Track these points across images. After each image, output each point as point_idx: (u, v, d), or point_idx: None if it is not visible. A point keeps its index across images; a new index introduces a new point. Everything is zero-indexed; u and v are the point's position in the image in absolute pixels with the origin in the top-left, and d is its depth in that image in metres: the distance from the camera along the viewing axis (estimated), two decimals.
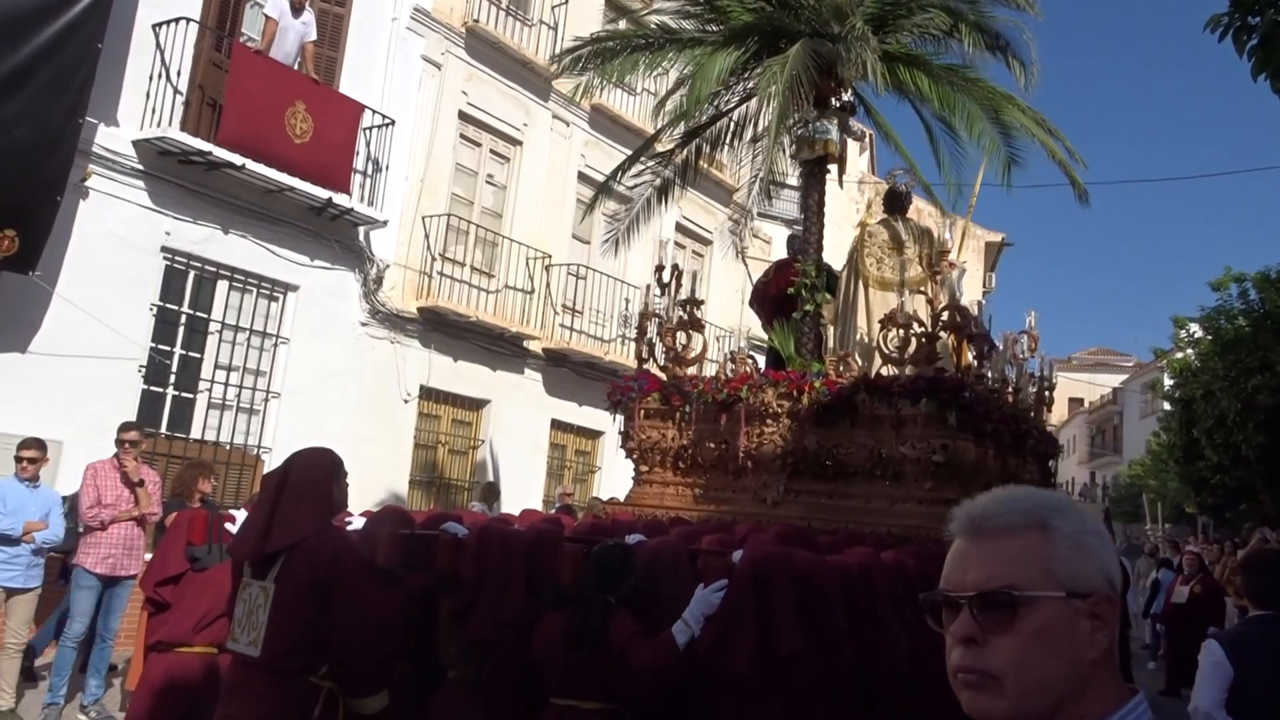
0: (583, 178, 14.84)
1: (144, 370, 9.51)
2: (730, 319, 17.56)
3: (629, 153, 15.37)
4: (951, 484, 6.04)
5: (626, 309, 15.03)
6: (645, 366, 7.46)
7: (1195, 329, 16.22)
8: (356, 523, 4.91)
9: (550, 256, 13.77)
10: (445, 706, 3.90)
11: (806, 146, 8.15)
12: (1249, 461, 14.18)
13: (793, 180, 10.71)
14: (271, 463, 10.58)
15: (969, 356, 6.79)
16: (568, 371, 14.28)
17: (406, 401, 12.12)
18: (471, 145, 13.25)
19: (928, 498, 5.96)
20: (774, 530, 5.09)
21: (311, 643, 3.32)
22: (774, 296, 8.16)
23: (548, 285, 13.86)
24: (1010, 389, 7.85)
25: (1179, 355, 17.40)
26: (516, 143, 13.76)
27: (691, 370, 7.40)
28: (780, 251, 21.66)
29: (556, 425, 14.37)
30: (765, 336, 9.16)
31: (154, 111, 9.42)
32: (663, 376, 7.32)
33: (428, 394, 12.46)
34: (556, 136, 14.31)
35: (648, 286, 7.64)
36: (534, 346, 13.67)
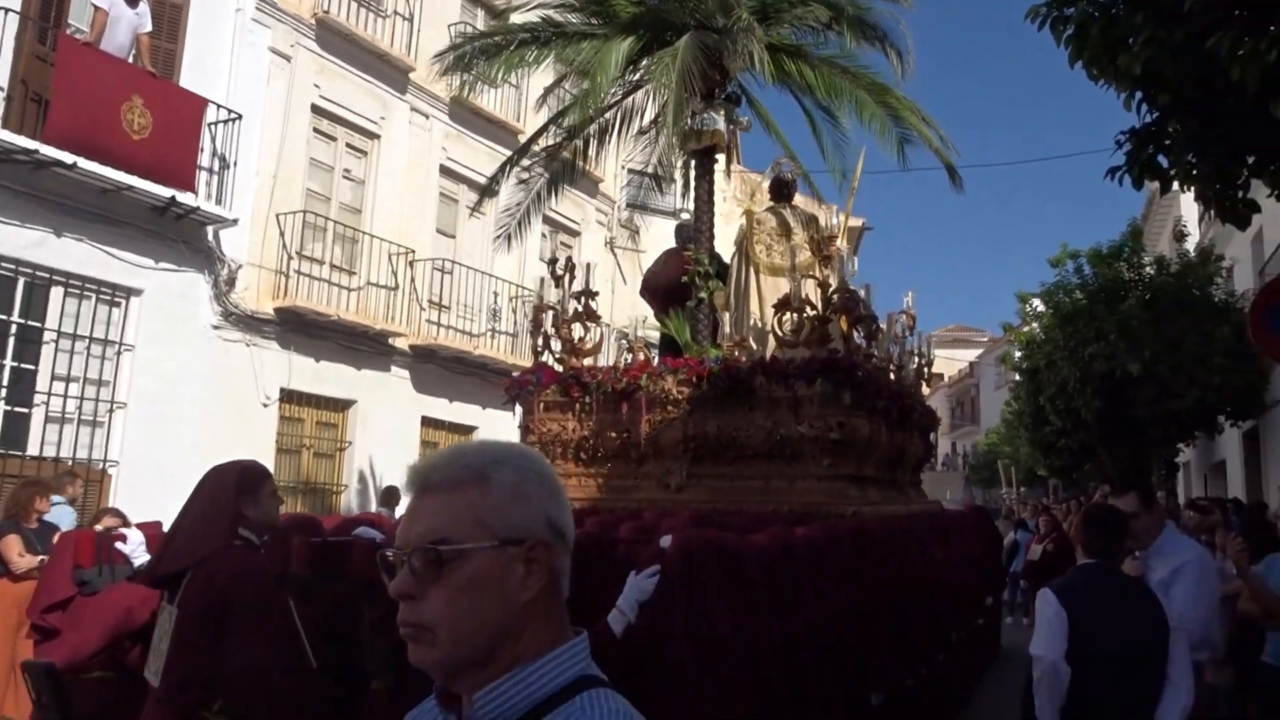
0: (445, 171, 14.60)
1: None
2: (601, 308, 17.59)
3: (491, 145, 15.29)
4: (848, 460, 6.30)
5: (495, 303, 14.89)
6: (542, 359, 7.49)
7: (1038, 304, 17.18)
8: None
9: (414, 252, 13.49)
10: (373, 717, 3.79)
11: (694, 138, 8.31)
12: (1088, 425, 15.11)
13: (676, 174, 10.88)
14: (119, 476, 10.04)
15: (857, 338, 7.05)
16: (436, 367, 14.04)
17: (266, 405, 11.68)
18: (326, 139, 12.85)
19: (826, 474, 6.21)
20: (686, 515, 5.15)
21: (205, 674, 3.08)
22: (665, 285, 8.27)
23: (412, 281, 13.58)
24: (894, 367, 8.19)
25: (1024, 329, 18.39)
26: (374, 136, 13.42)
27: (588, 361, 7.45)
28: (652, 240, 21.84)
29: (428, 423, 14.11)
30: (645, 326, 9.28)
31: None
32: (560, 369, 7.37)
33: (289, 396, 12.04)
34: (416, 129, 14.02)
35: (541, 279, 7.65)
36: (400, 344, 13.38)
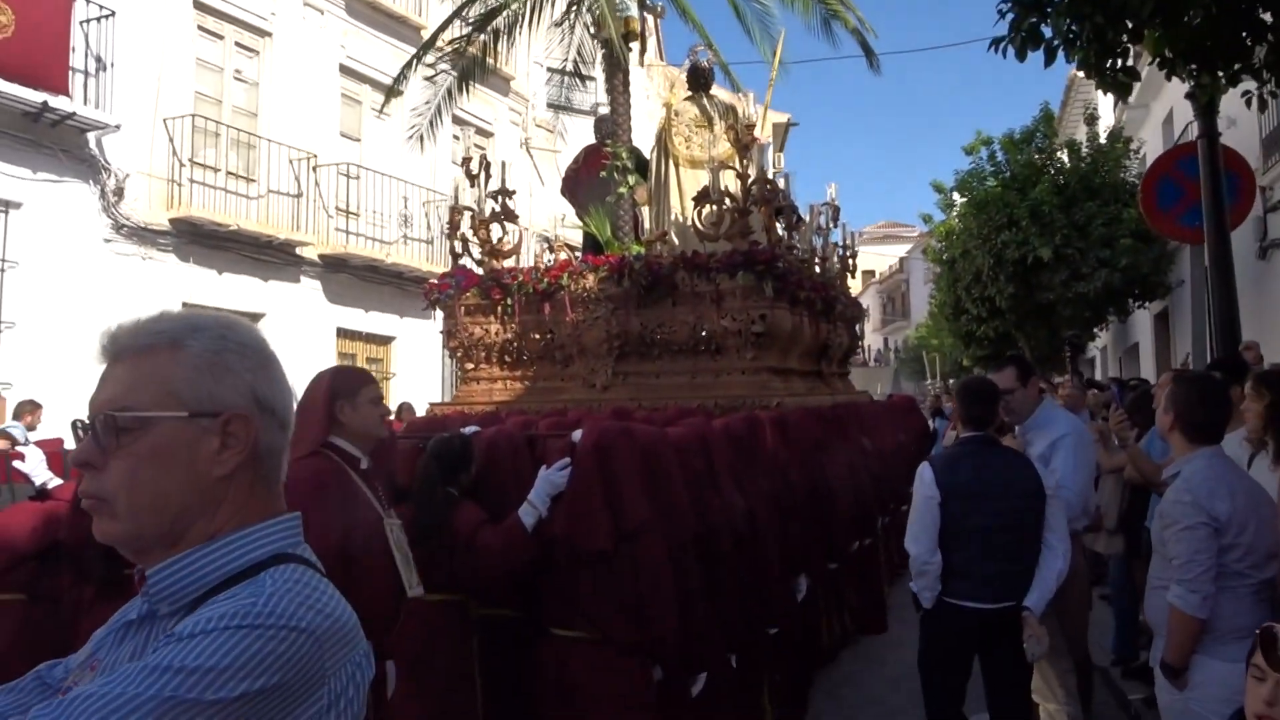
0: (345, 71, 13.88)
1: None
2: (521, 212, 17.17)
3: (395, 43, 14.56)
4: (771, 352, 6.32)
5: (406, 208, 14.39)
6: (461, 263, 7.27)
7: (956, 195, 17.27)
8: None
9: (316, 157, 12.87)
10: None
11: (609, 26, 7.94)
12: (1003, 312, 15.38)
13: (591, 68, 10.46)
14: (11, 398, 9.53)
15: (779, 230, 6.96)
16: (348, 277, 13.58)
17: None
18: (213, 38, 12.03)
19: (750, 367, 6.22)
20: (607, 412, 5.14)
21: None
22: (586, 182, 8.07)
23: (317, 186, 12.99)
24: (818, 259, 8.16)
25: (942, 220, 18.50)
26: (265, 34, 12.62)
27: (509, 263, 7.27)
28: (574, 141, 21.34)
29: (343, 334, 13.72)
30: (565, 225, 9.04)
31: None
32: (480, 271, 7.18)
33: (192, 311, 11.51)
34: (310, 26, 13.23)
35: (456, 182, 7.35)
36: (308, 253, 12.87)
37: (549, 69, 10.70)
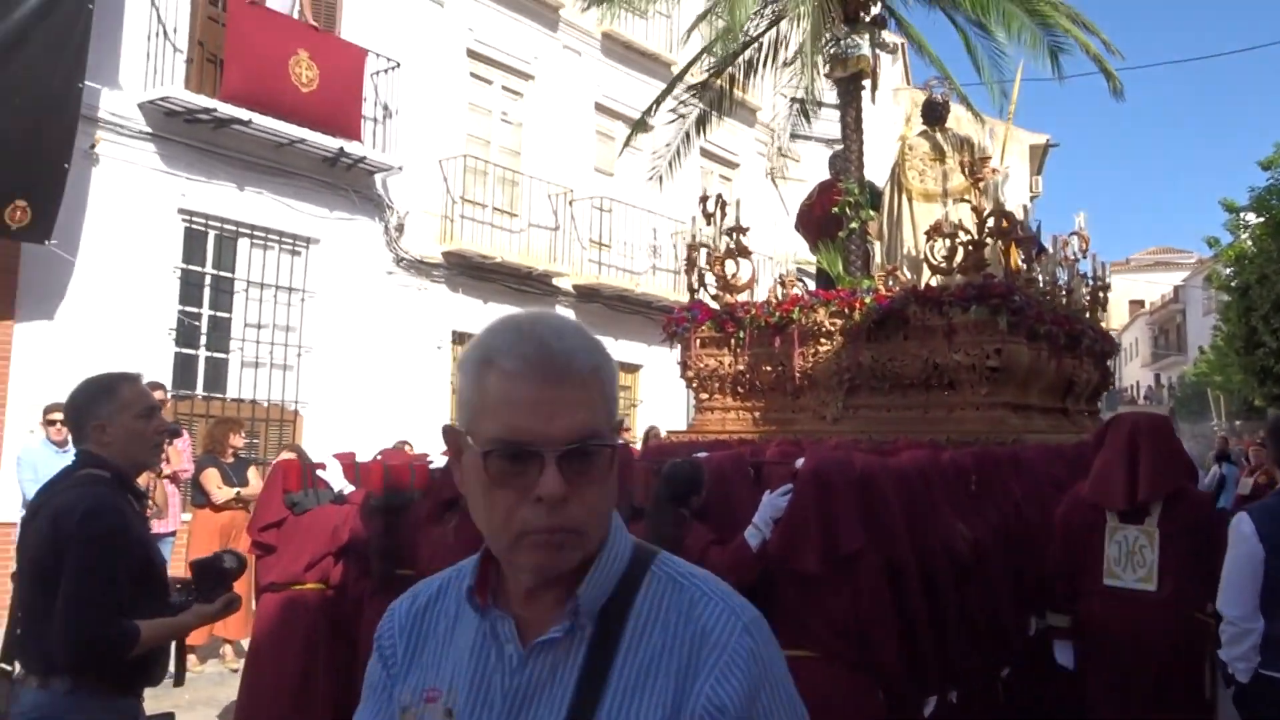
0: (600, 108, 14.56)
1: (174, 333, 9.60)
2: (763, 241, 17.25)
3: (645, 79, 15.11)
4: (1007, 387, 6.18)
5: (655, 239, 14.83)
6: (697, 296, 7.57)
7: (1251, 215, 15.51)
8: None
9: (572, 191, 13.57)
10: None
11: (839, 65, 8.13)
12: None
13: (829, 98, 10.50)
14: (309, 417, 10.68)
15: (1018, 261, 6.74)
16: (599, 306, 14.16)
17: (439, 348, 12.12)
18: (483, 83, 13.03)
19: (984, 403, 6.10)
20: (832, 442, 5.20)
21: (1198, 584, 3.65)
22: (819, 218, 8.24)
23: (573, 220, 13.69)
24: (1063, 291, 7.79)
25: (1231, 242, 16.68)
26: (528, 77, 13.51)
27: (743, 297, 7.49)
28: (815, 170, 21.19)
29: None
30: (808, 258, 9.11)
31: (156, 72, 9.38)
32: (715, 305, 7.46)
33: (460, 339, 12.44)
34: (569, 67, 14.01)
35: (694, 218, 7.69)
36: (563, 284, 13.56)
37: (791, 99, 10.78)
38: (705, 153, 16.21)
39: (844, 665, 3.20)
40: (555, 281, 13.44)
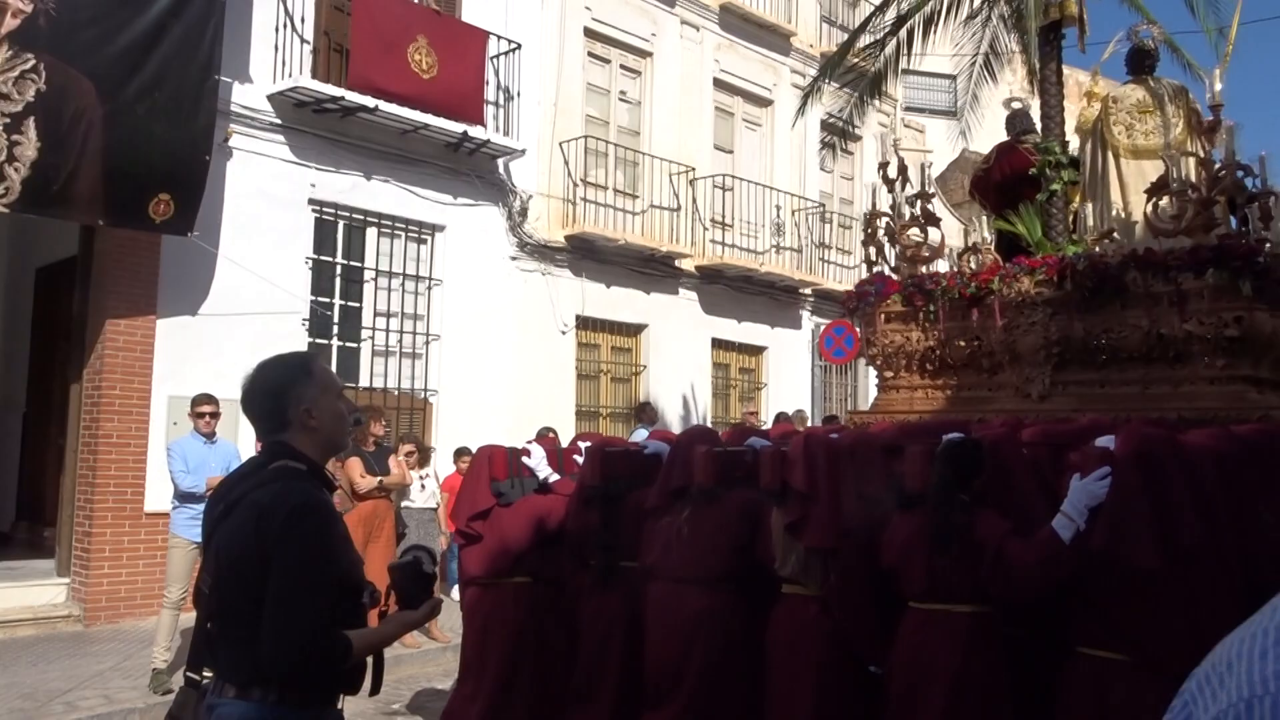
0: (719, 84, 14.11)
1: (307, 323, 9.59)
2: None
3: (764, 52, 14.62)
4: (1245, 359, 5.46)
5: (778, 217, 14.33)
6: (876, 269, 7.12)
7: None
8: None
9: (694, 170, 13.17)
10: (788, 619, 3.93)
11: (1039, 12, 7.49)
12: None
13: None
14: (439, 405, 10.58)
15: (1252, 220, 6.05)
16: (723, 288, 13.74)
17: (564, 333, 11.91)
18: (600, 63, 12.73)
19: (1220, 376, 5.43)
20: (1140, 420, 4.68)
21: None
22: (999, 182, 7.65)
23: (694, 200, 13.29)
24: None
25: None
26: (646, 55, 13.15)
27: (929, 267, 7.00)
28: (936, 142, 20.29)
29: (717, 344, 13.90)
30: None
31: (284, 64, 9.35)
32: (896, 277, 6.99)
33: (584, 323, 12.21)
34: (687, 43, 13.61)
35: (873, 186, 7.22)
36: (686, 265, 13.19)
37: (972, 57, 10.23)
38: (827, 126, 15.60)
39: (1163, 675, 2.78)
40: (678, 263, 13.08)
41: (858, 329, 7.35)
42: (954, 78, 18.45)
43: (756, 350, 14.54)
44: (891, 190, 7.16)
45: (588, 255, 12.06)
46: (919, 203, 7.06)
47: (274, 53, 9.33)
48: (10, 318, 10.42)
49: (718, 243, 13.64)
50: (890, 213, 6.89)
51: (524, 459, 5.01)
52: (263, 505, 2.14)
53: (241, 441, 7.89)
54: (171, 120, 7.98)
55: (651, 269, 12.81)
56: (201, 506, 6.72)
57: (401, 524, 8.00)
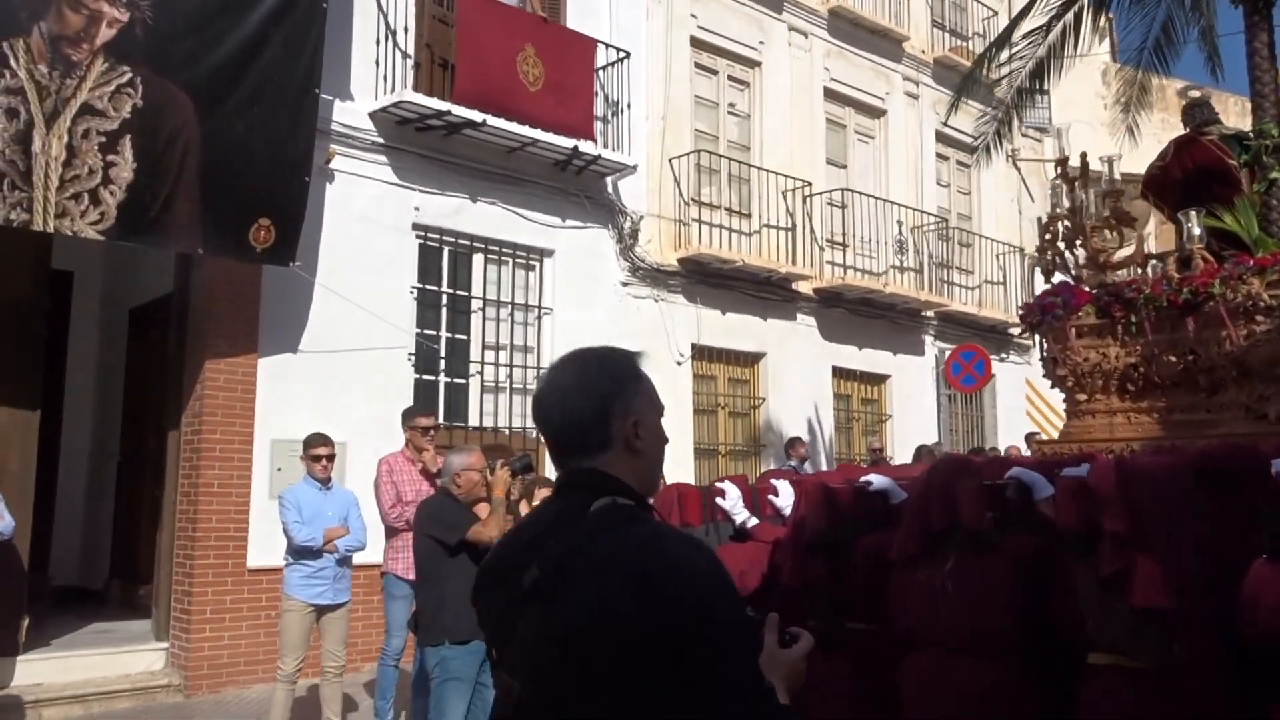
0: (830, 94, 13.21)
1: (413, 358, 8.84)
2: (1008, 230, 15.44)
3: (875, 59, 13.71)
4: None
5: (899, 234, 13.29)
6: (1054, 279, 6.22)
7: None
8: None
9: (810, 185, 12.22)
10: (1107, 700, 3.07)
11: None
12: None
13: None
14: None
15: None
16: (842, 312, 12.72)
17: (680, 363, 10.99)
18: (708, 74, 11.93)
19: None
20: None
21: None
22: (1181, 179, 6.68)
23: (809, 219, 12.34)
24: None
25: None
26: (754, 64, 12.32)
27: (1122, 274, 6.04)
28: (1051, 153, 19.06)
29: (838, 373, 12.85)
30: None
31: (385, 79, 8.71)
32: (1085, 287, 6.05)
33: (700, 353, 11.28)
34: (796, 51, 12.75)
35: (1053, 186, 6.31)
36: (804, 288, 12.22)
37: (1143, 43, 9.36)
38: (941, 137, 14.60)
39: None
40: (795, 286, 12.11)
41: (1044, 345, 6.34)
42: (1047, 92, 17.41)
43: (879, 379, 13.45)
44: (1073, 190, 6.24)
45: (701, 279, 11.16)
46: (1105, 200, 6.11)
47: (374, 68, 8.69)
48: (104, 362, 9.88)
49: (835, 264, 12.66)
50: (1071, 215, 5.93)
51: (718, 500, 4.32)
52: (632, 565, 1.33)
53: (351, 485, 7.09)
54: (271, 138, 7.33)
55: (768, 293, 11.86)
56: (319, 563, 5.90)
57: None
